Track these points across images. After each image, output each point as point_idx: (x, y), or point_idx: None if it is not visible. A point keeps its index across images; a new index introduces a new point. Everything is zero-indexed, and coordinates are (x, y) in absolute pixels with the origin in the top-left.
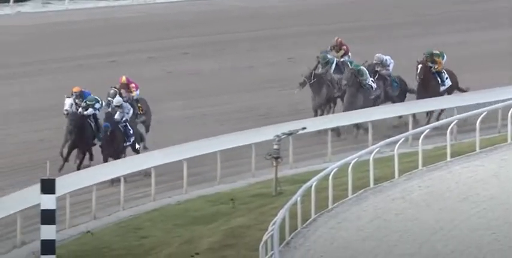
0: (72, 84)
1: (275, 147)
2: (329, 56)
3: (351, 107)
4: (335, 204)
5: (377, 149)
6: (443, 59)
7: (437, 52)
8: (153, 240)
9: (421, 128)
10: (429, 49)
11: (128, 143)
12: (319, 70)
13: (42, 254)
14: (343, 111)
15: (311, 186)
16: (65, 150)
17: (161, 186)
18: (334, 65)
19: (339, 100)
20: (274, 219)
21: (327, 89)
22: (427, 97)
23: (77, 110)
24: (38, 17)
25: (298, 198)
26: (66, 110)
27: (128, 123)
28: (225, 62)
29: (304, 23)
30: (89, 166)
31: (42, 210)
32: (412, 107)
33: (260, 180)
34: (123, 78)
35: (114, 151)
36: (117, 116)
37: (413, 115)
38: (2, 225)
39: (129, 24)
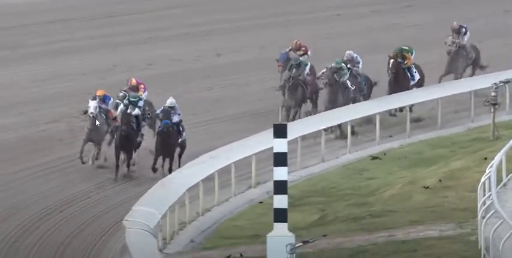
0: (294, 38)
1: (493, 94)
2: (301, 58)
3: (332, 105)
4: None
5: None
6: (412, 54)
7: (407, 48)
8: (377, 182)
9: None
10: (399, 46)
11: (180, 139)
12: (293, 72)
13: (275, 193)
14: (325, 110)
15: None
16: (85, 148)
17: (385, 131)
18: (308, 67)
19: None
20: (492, 162)
21: (301, 92)
22: (399, 91)
23: (100, 113)
24: None
25: None
26: (92, 113)
27: (179, 123)
28: (445, 14)
29: None
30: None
31: (275, 153)
32: None
33: (479, 125)
34: (133, 81)
35: (167, 149)
36: (175, 118)
37: None
38: (240, 166)
39: None
